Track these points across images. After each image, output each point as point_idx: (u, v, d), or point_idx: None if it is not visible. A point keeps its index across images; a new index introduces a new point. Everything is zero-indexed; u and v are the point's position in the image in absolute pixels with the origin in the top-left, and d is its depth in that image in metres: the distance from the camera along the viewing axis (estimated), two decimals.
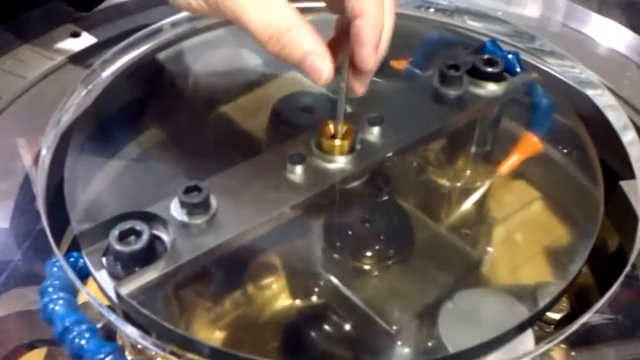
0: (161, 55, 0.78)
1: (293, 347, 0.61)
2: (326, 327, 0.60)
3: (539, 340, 0.59)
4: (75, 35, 0.82)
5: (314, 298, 0.62)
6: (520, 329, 0.54)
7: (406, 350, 0.57)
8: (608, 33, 0.84)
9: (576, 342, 0.53)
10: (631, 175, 0.65)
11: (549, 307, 0.57)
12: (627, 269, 0.55)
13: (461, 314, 0.57)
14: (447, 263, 0.62)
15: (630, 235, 0.60)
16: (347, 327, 0.60)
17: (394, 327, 0.57)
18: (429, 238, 0.64)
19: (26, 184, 0.64)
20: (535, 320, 0.59)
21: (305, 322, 0.61)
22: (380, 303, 0.58)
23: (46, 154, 0.64)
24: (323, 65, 0.53)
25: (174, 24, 0.79)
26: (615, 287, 0.54)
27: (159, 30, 0.78)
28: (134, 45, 0.75)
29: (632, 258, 0.56)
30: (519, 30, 0.79)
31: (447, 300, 0.57)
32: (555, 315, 0.64)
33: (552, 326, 0.64)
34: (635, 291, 0.59)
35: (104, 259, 0.53)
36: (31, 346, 0.60)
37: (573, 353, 0.57)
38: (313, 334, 0.60)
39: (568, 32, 0.86)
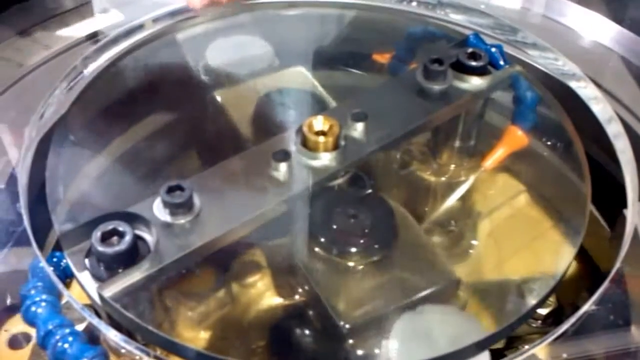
0: (143, 52, 0.77)
1: (279, 347, 0.60)
2: (312, 325, 0.60)
3: (527, 334, 0.59)
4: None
5: (299, 296, 0.62)
6: (478, 348, 0.52)
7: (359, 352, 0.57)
8: (589, 24, 0.83)
9: (561, 333, 0.53)
10: (617, 168, 0.65)
11: (538, 306, 0.57)
12: (617, 265, 0.55)
13: (417, 328, 0.56)
14: (423, 276, 0.61)
15: (617, 229, 0.60)
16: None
17: (347, 326, 0.57)
18: (411, 242, 0.63)
19: (9, 182, 0.63)
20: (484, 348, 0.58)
21: (291, 320, 0.61)
22: (339, 298, 0.58)
23: (28, 153, 0.63)
24: None
25: (155, 20, 0.78)
26: (603, 286, 0.54)
27: (140, 27, 0.77)
28: (115, 42, 0.75)
29: (621, 257, 0.55)
30: (501, 23, 0.78)
31: (407, 312, 0.57)
32: (542, 311, 0.64)
33: (540, 321, 0.64)
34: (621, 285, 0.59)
35: (86, 260, 0.52)
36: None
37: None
38: (299, 332, 0.60)
39: (549, 23, 0.85)
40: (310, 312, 0.60)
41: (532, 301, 0.59)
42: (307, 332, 0.60)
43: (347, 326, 0.56)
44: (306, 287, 0.60)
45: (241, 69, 0.77)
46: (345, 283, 0.60)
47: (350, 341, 0.57)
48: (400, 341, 0.55)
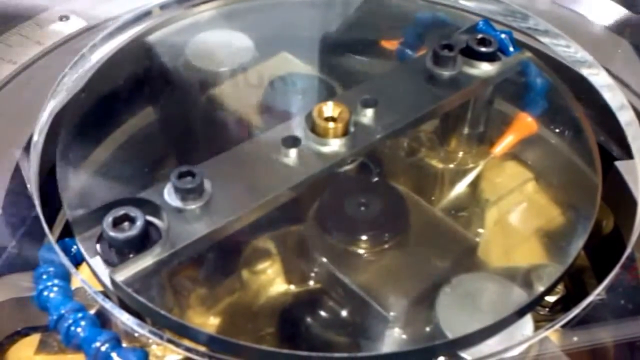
0: (151, 39, 0.77)
1: (289, 333, 0.60)
2: (322, 312, 0.60)
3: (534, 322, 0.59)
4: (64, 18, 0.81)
5: (310, 283, 0.62)
6: (520, 314, 0.53)
7: (403, 336, 0.57)
8: (599, 10, 0.83)
9: (569, 320, 0.53)
10: (627, 156, 0.65)
11: (549, 292, 0.57)
12: (628, 251, 0.54)
13: (459, 299, 0.56)
14: (443, 247, 0.62)
15: (627, 216, 0.60)
16: (343, 312, 0.60)
17: (391, 313, 0.57)
18: (424, 221, 0.64)
19: (19, 169, 0.63)
20: (535, 305, 0.58)
21: (301, 307, 0.61)
22: (376, 288, 0.58)
23: (38, 140, 0.63)
24: None
25: (163, 7, 0.78)
26: (613, 272, 0.53)
27: (148, 13, 0.77)
28: (122, 29, 0.74)
29: (632, 243, 0.55)
30: (512, 9, 0.78)
31: (444, 285, 0.57)
32: (550, 298, 0.64)
33: (547, 309, 0.64)
34: (631, 271, 0.59)
35: (98, 246, 0.52)
36: (25, 333, 0.60)
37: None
38: (309, 319, 0.60)
39: (558, 9, 0.85)
40: (343, 304, 0.60)
41: (542, 288, 0.58)
42: (324, 318, 0.60)
43: (392, 314, 0.57)
44: (330, 278, 0.60)
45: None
46: (374, 271, 0.60)
47: (398, 328, 0.57)
48: (448, 315, 0.55)
